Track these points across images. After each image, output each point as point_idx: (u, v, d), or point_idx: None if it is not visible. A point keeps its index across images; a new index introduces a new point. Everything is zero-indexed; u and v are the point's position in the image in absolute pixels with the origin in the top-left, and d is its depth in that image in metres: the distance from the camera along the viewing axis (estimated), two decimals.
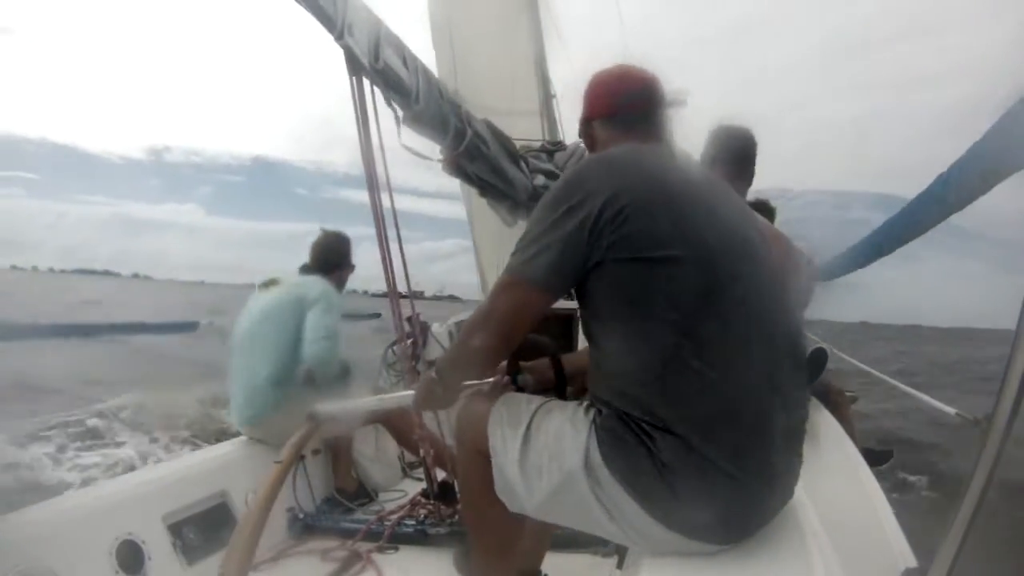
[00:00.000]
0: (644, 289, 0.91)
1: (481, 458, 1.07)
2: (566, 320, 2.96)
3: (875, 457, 3.06)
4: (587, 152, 1.26)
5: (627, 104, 1.14)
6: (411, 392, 1.25)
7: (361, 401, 1.41)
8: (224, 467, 2.05)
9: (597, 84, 1.20)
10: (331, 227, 2.46)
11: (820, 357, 2.72)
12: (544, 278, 0.97)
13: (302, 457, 2.33)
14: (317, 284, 2.26)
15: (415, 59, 1.54)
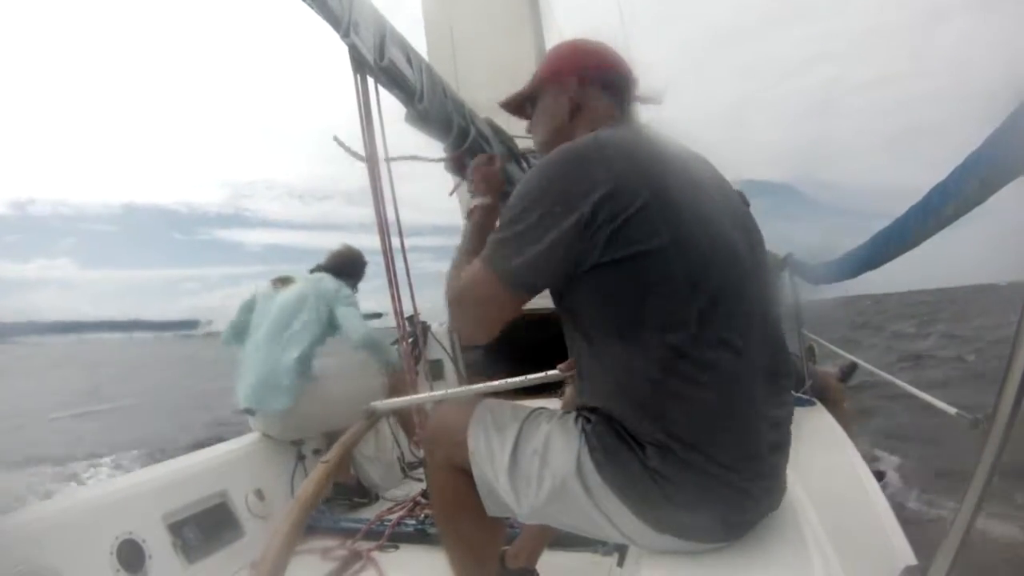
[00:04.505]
0: (644, 297, 0.86)
1: (455, 470, 1.04)
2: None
3: None
4: (564, 115, 1.12)
5: (624, 79, 1.11)
6: (463, 389, 1.20)
7: (418, 397, 1.40)
8: (224, 466, 2.05)
9: (596, 49, 1.13)
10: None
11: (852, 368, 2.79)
12: (524, 280, 0.92)
13: (302, 457, 2.33)
14: (331, 280, 2.46)
15: (419, 57, 1.54)
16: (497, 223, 0.98)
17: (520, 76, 1.20)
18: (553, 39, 3.68)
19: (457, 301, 0.99)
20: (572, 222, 0.86)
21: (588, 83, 1.09)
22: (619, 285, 0.87)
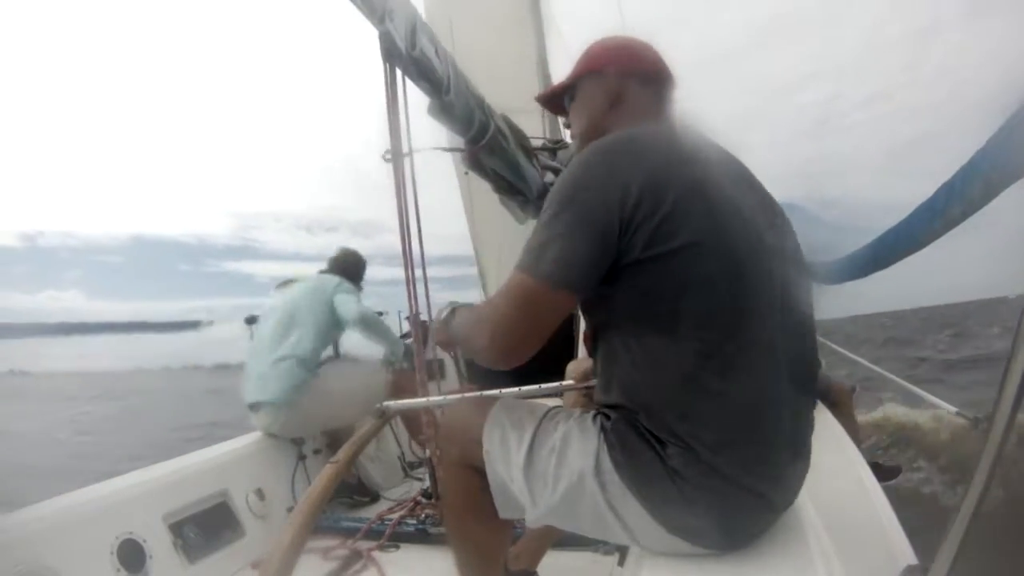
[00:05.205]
0: (680, 293, 0.85)
1: (468, 468, 1.03)
2: (566, 320, 2.95)
3: (882, 473, 3.06)
4: (603, 106, 1.10)
5: (664, 76, 1.09)
6: (478, 394, 1.17)
7: (430, 399, 1.40)
8: (225, 466, 2.05)
9: (638, 44, 1.11)
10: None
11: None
12: (566, 280, 0.87)
13: (303, 457, 2.33)
14: (334, 278, 2.51)
15: (445, 50, 1.52)
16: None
17: (520, 76, 1.19)
18: (553, 39, 3.67)
19: (491, 318, 0.92)
20: (609, 220, 0.85)
21: (628, 75, 1.08)
22: (655, 280, 0.86)
